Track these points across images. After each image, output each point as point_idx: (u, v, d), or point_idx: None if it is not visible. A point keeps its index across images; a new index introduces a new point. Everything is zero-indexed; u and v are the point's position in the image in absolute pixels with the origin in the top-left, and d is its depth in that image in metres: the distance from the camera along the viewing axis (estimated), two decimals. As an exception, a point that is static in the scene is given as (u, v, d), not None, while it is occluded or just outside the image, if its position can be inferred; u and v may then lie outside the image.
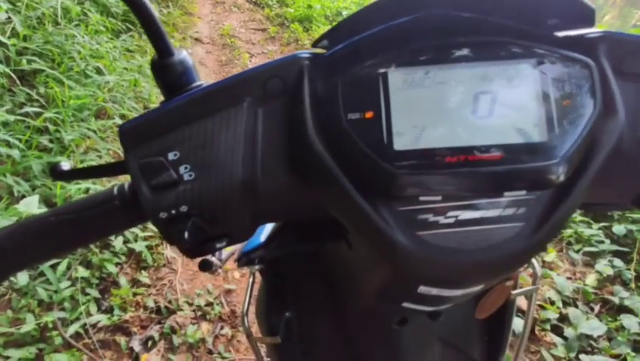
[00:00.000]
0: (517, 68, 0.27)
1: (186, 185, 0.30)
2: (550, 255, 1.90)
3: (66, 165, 0.37)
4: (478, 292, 0.35)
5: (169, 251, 1.83)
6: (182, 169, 0.30)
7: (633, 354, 1.43)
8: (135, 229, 1.75)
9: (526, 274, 1.79)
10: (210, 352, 1.44)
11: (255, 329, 0.77)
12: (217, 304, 1.61)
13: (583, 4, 0.27)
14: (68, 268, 1.51)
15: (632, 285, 1.72)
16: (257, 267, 0.43)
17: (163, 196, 0.30)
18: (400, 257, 0.29)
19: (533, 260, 0.77)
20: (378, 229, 0.28)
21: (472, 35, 0.28)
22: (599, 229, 2.02)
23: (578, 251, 1.95)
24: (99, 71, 2.34)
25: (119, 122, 2.11)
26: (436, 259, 0.28)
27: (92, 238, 0.38)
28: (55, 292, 1.39)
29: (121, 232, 0.41)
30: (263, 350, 0.82)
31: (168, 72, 0.32)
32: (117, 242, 1.62)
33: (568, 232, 2.01)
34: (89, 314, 1.44)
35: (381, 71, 0.28)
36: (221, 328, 1.53)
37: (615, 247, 1.90)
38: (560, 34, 0.29)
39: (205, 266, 0.41)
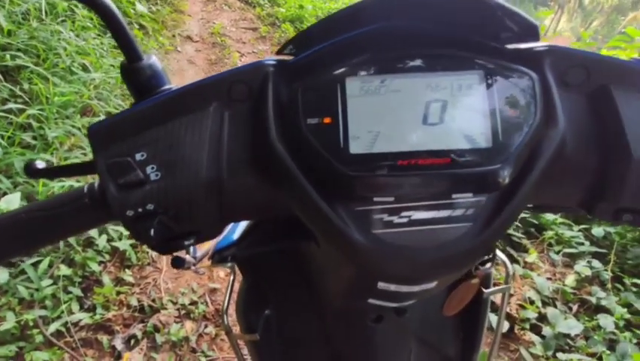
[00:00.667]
0: (467, 79, 0.29)
1: (152, 184, 0.31)
2: (532, 256, 1.95)
3: (41, 163, 0.37)
4: (436, 289, 0.37)
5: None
6: (148, 169, 0.31)
7: (608, 352, 1.47)
8: (120, 228, 1.74)
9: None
10: (194, 350, 1.44)
11: (237, 327, 0.78)
12: (201, 303, 1.61)
13: (526, 20, 0.28)
14: (50, 266, 1.49)
15: (609, 285, 1.77)
16: (229, 264, 0.44)
17: (130, 195, 0.31)
18: (357, 254, 0.30)
19: (505, 259, 0.79)
20: (336, 228, 0.29)
21: (426, 47, 0.30)
22: (579, 230, 2.07)
23: (558, 252, 2.00)
24: (85, 68, 2.31)
25: (105, 119, 2.09)
26: (390, 256, 0.30)
27: (62, 234, 0.39)
28: (37, 290, 1.38)
29: (91, 229, 0.42)
30: (245, 349, 0.83)
31: (137, 76, 0.33)
32: (101, 240, 1.61)
33: (549, 233, 2.05)
34: (70, 313, 1.43)
35: (340, 78, 0.29)
36: (205, 326, 1.53)
37: (594, 249, 1.95)
38: (510, 46, 0.31)
39: (177, 263, 0.42)
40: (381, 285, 0.35)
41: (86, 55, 2.37)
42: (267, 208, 0.36)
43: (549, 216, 2.12)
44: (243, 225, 0.49)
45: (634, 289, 1.74)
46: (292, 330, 0.83)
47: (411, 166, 0.28)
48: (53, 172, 0.40)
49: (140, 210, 0.31)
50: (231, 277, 0.87)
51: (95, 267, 1.56)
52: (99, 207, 0.34)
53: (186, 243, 0.34)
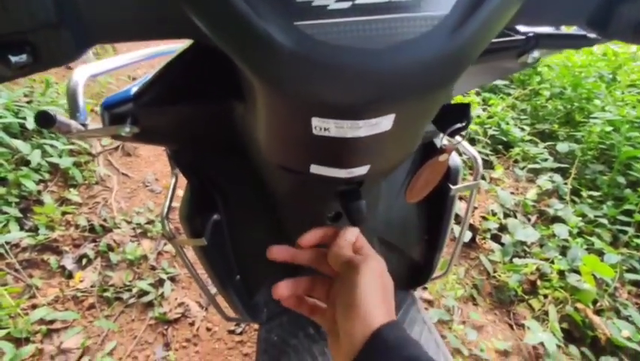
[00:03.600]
0: None
1: None
2: (498, 172, 1.96)
3: None
4: (394, 148, 0.27)
5: (102, 168, 1.66)
6: None
7: (560, 257, 1.55)
8: (57, 143, 1.54)
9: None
10: (153, 268, 1.38)
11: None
12: (159, 222, 1.51)
13: None
14: (-23, 184, 1.32)
15: (567, 198, 1.83)
16: (127, 129, 0.32)
17: None
18: (273, 61, 0.19)
19: (476, 154, 0.72)
20: (241, 16, 0.18)
21: None
22: (545, 148, 2.09)
23: (522, 168, 2.02)
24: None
25: None
26: (321, 61, 0.19)
27: None
28: (-38, 210, 1.22)
29: None
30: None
31: None
32: (34, 156, 1.43)
33: (515, 150, 2.05)
34: (8, 233, 1.29)
35: None
36: (165, 244, 1.46)
37: (557, 165, 1.98)
38: None
39: (43, 120, 0.29)
40: (317, 124, 0.24)
41: None
42: (145, 17, 0.23)
43: (517, 133, 2.10)
44: (141, 80, 0.36)
45: (589, 201, 1.81)
46: (244, 235, 0.76)
47: None
48: None
49: None
50: (172, 180, 0.76)
51: (31, 186, 1.40)
52: None
53: (14, 60, 0.21)
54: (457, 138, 0.43)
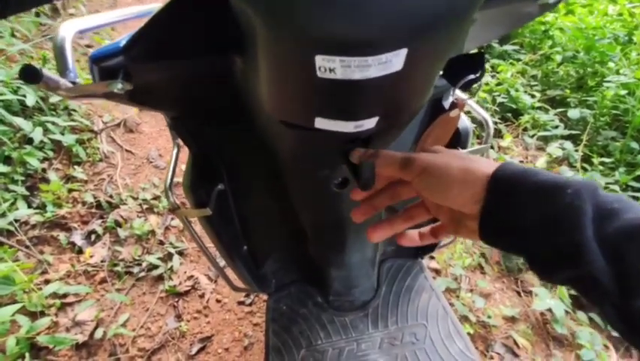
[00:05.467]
0: None
1: None
2: (506, 140, 1.91)
3: None
4: (400, 77, 0.24)
5: (105, 145, 1.65)
6: None
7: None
8: (59, 120, 1.53)
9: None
10: (161, 242, 1.39)
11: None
12: (165, 198, 1.51)
13: None
14: (-19, 163, 1.32)
15: (578, 165, 1.79)
16: (120, 85, 0.30)
17: None
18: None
19: (487, 117, 0.69)
20: None
21: None
22: (555, 115, 2.03)
23: (532, 136, 1.97)
24: None
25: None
26: None
27: None
28: (-31, 188, 1.23)
29: None
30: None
31: None
32: (36, 134, 1.42)
33: (525, 118, 2.00)
34: (16, 211, 1.30)
35: None
36: (172, 219, 1.46)
37: (568, 132, 1.93)
38: None
39: (28, 74, 0.27)
40: (322, 64, 0.22)
41: None
42: None
43: (527, 100, 2.04)
44: (130, 33, 0.34)
45: (600, 168, 1.77)
46: (250, 205, 0.75)
47: None
48: None
49: None
50: (174, 151, 0.74)
51: (36, 163, 1.39)
52: None
53: None
54: (474, 87, 0.41)
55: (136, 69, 0.31)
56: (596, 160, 1.79)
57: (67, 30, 0.33)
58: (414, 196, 0.39)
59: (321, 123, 0.31)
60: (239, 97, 0.45)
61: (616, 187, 1.65)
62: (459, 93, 0.45)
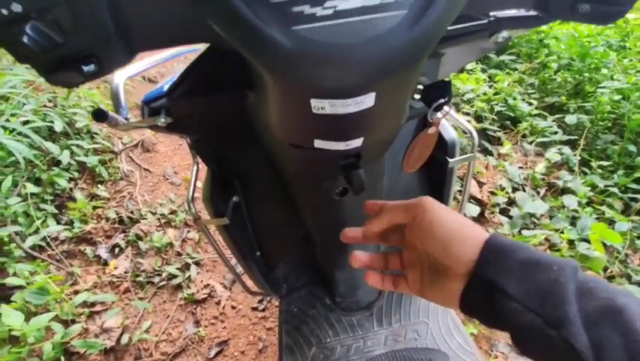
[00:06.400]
0: None
1: None
2: (506, 147, 1.98)
3: None
4: (374, 110, 0.33)
5: (125, 164, 1.77)
6: None
7: (570, 227, 1.58)
8: (83, 143, 1.65)
9: (482, 165, 1.88)
10: (179, 254, 1.49)
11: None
12: (181, 212, 1.62)
13: None
14: (15, 185, 1.43)
15: (577, 169, 1.84)
16: (162, 120, 0.39)
17: None
18: (277, 57, 0.26)
19: (471, 129, 0.77)
20: (249, 25, 0.24)
21: None
22: (554, 121, 2.09)
23: (531, 142, 2.03)
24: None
25: None
26: (313, 56, 0.25)
27: None
28: (5, 208, 1.34)
29: None
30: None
31: None
32: (64, 157, 1.54)
33: (523, 125, 2.07)
34: (47, 228, 1.41)
35: None
36: (188, 232, 1.56)
37: (566, 137, 1.99)
38: None
39: (99, 115, 0.37)
40: (315, 105, 0.31)
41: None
42: (178, 29, 0.30)
43: (525, 108, 2.11)
44: (173, 78, 0.43)
45: (599, 171, 1.82)
46: (261, 214, 0.84)
47: None
48: None
49: (4, 11, 0.25)
50: (194, 168, 0.84)
51: (64, 183, 1.51)
52: None
53: (85, 69, 0.28)
54: (444, 110, 0.49)
55: (175, 106, 0.41)
56: (594, 164, 1.84)
57: (119, 78, 0.43)
58: (398, 245, 0.42)
59: (319, 144, 0.40)
60: (250, 122, 0.55)
61: (615, 189, 1.70)
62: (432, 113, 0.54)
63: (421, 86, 0.50)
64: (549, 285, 0.29)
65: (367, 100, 0.31)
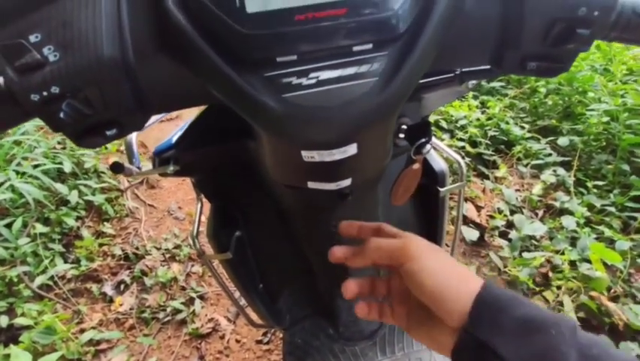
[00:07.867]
0: None
1: (52, 66, 0.29)
2: (501, 171, 2.02)
3: None
4: (363, 163, 0.38)
5: (130, 201, 1.81)
6: (45, 50, 0.29)
7: (570, 248, 1.60)
8: (90, 182, 1.71)
9: (479, 188, 1.91)
10: (183, 288, 1.50)
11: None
12: (185, 246, 1.65)
13: None
14: (25, 226, 1.48)
15: (572, 190, 1.87)
16: (171, 168, 0.44)
17: (30, 78, 0.29)
18: (272, 121, 0.31)
19: (459, 158, 0.82)
20: (246, 94, 0.29)
21: None
22: (547, 143, 2.14)
23: (526, 165, 2.08)
24: None
25: None
26: (303, 118, 0.30)
27: None
28: (15, 248, 1.38)
29: (7, 128, 0.40)
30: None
31: None
32: (72, 196, 1.59)
33: (517, 148, 2.12)
34: (55, 267, 1.45)
35: None
36: (192, 266, 1.58)
37: (560, 158, 2.04)
38: None
39: (116, 168, 0.42)
40: (305, 155, 0.36)
41: None
42: (185, 95, 0.36)
43: (517, 132, 2.17)
44: (181, 129, 0.49)
45: (595, 191, 1.85)
46: (263, 248, 0.87)
47: (308, 20, 0.28)
48: None
49: (44, 93, 0.30)
50: (198, 205, 0.89)
51: (71, 222, 1.56)
52: (7, 100, 0.33)
53: (108, 133, 0.33)
54: (425, 148, 0.54)
55: (183, 156, 0.46)
56: (590, 184, 1.88)
57: (132, 134, 0.48)
58: (388, 268, 0.41)
59: (312, 185, 0.44)
60: (251, 163, 0.59)
61: (612, 209, 1.72)
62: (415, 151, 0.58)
63: (405, 126, 0.55)
64: (548, 352, 0.27)
65: (350, 149, 0.36)
